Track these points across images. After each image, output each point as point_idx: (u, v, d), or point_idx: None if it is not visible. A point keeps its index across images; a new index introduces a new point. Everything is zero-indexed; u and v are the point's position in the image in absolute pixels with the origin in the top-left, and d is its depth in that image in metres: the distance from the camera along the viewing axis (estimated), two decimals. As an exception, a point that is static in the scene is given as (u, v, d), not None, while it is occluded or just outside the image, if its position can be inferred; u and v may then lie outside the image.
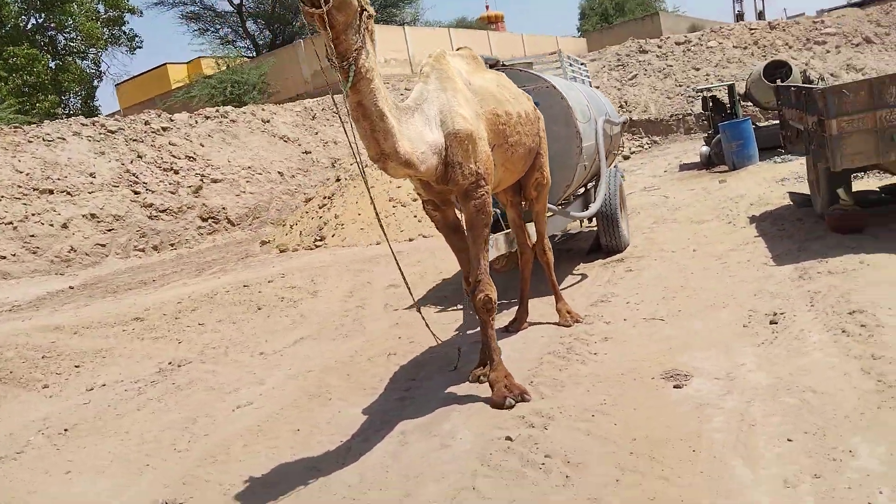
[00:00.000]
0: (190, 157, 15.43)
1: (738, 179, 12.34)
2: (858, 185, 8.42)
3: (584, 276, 7.49)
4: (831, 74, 18.44)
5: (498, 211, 6.76)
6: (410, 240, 11.98)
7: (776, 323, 4.80)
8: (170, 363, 6.66)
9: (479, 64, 5.18)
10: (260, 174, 16.09)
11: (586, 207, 8.08)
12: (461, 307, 7.15)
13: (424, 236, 12.00)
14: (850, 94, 6.00)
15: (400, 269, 4.82)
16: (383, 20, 33.34)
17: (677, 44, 21.62)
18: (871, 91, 5.95)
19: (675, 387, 4.07)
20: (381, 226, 4.74)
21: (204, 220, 14.45)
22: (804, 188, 9.85)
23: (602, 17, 50.09)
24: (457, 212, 4.91)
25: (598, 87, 20.45)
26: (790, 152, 13.59)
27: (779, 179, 11.27)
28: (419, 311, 5.14)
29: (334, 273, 10.11)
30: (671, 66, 20.68)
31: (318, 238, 12.88)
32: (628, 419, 3.75)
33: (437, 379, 5.06)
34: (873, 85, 5.96)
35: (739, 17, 47.99)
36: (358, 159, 4.12)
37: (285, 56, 26.63)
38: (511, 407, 4.21)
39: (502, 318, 6.10)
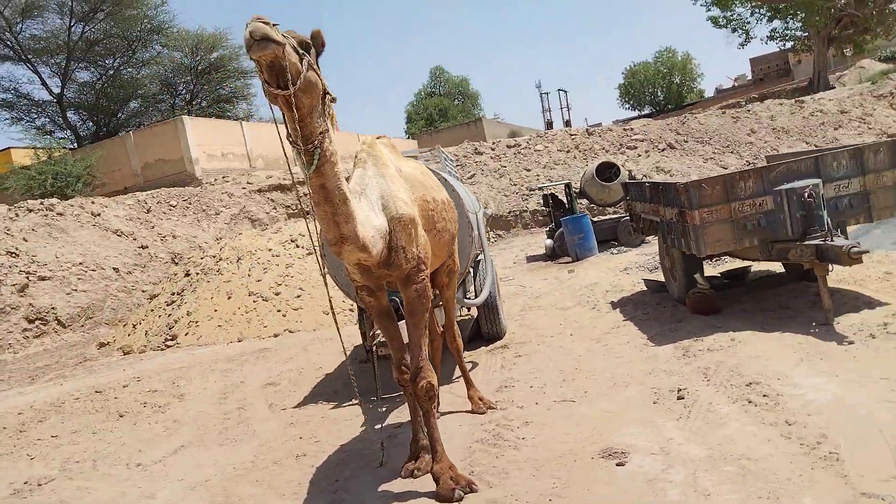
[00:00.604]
0: (12, 254, 13.88)
1: (584, 269, 13.23)
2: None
3: (474, 364, 7.58)
4: (644, 175, 20.66)
5: (396, 299, 6.76)
6: (276, 335, 11.50)
7: (683, 398, 5.14)
8: (26, 482, 5.77)
9: (399, 152, 5.28)
10: (93, 270, 14.80)
11: (465, 296, 8.28)
12: (356, 402, 6.93)
13: (290, 331, 11.59)
14: (708, 188, 6.78)
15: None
16: (217, 115, 32.82)
17: (508, 147, 23.29)
18: (725, 186, 6.76)
19: (617, 465, 4.19)
20: (335, 317, 4.55)
21: (31, 321, 12.91)
22: (644, 275, 10.87)
23: (427, 120, 53.02)
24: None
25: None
26: (625, 244, 14.98)
27: (622, 269, 12.22)
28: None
29: (198, 374, 9.41)
30: (505, 166, 22.16)
31: (169, 337, 11.97)
32: (586, 501, 3.79)
33: (364, 478, 4.81)
34: (727, 180, 6.79)
35: (549, 124, 52.88)
36: (316, 249, 3.99)
37: (113, 147, 25.23)
38: (460, 500, 4.10)
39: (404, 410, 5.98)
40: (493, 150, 23.27)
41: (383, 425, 5.76)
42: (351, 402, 6.96)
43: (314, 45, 3.54)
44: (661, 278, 9.49)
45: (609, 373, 6.25)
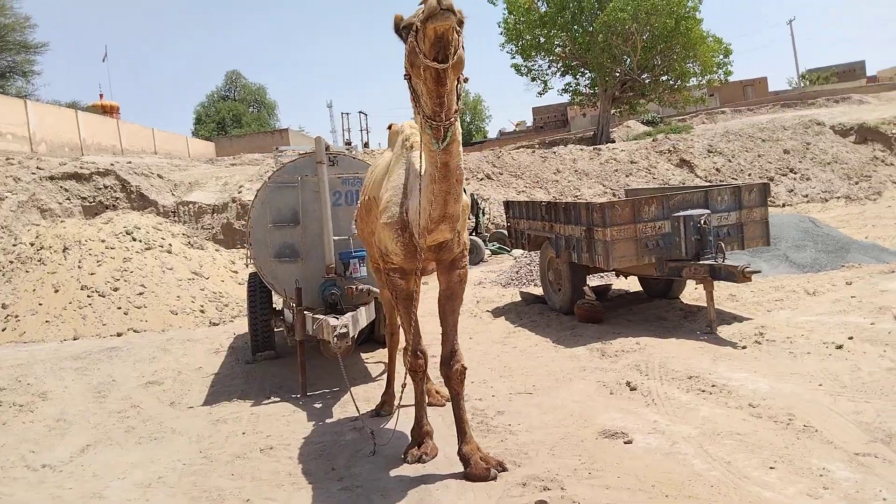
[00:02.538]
0: None
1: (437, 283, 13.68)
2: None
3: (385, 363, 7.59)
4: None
5: (336, 291, 6.64)
6: (119, 334, 10.43)
7: (636, 389, 5.72)
8: None
9: None
10: None
11: None
12: (277, 399, 6.64)
13: (136, 331, 10.57)
14: (620, 209, 7.58)
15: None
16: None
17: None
18: (633, 208, 7.61)
19: (625, 443, 4.59)
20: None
21: None
22: (498, 289, 11.66)
23: (219, 124, 50.67)
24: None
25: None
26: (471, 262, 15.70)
27: (476, 282, 12.87)
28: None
29: (45, 372, 8.30)
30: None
31: (-18, 333, 10.27)
32: (622, 471, 4.13)
33: (365, 465, 4.71)
34: (634, 204, 7.64)
35: (347, 144, 53.28)
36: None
37: None
38: (494, 478, 4.21)
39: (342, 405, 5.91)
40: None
41: (360, 416, 5.61)
42: (272, 400, 6.65)
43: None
44: (538, 291, 10.23)
45: (542, 370, 6.68)
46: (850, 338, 6.60)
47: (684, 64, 33.16)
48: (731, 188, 7.96)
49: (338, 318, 6.25)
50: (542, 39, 33.50)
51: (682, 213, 7.63)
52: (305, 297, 6.70)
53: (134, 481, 4.84)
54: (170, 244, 12.89)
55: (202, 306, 11.44)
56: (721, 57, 33.34)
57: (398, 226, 4.25)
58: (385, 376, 6.91)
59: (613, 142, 32.09)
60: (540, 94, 36.62)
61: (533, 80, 35.59)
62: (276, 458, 5.04)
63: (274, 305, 8.43)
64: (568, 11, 32.01)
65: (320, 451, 5.06)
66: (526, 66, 35.28)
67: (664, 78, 34.45)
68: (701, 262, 7.44)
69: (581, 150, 25.11)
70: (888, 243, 12.04)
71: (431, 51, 3.26)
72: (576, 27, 32.46)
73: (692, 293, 9.56)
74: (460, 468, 4.42)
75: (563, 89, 36.21)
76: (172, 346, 9.60)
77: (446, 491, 4.14)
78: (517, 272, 12.84)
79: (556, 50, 34.10)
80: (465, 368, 4.52)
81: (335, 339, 5.85)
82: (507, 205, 10.67)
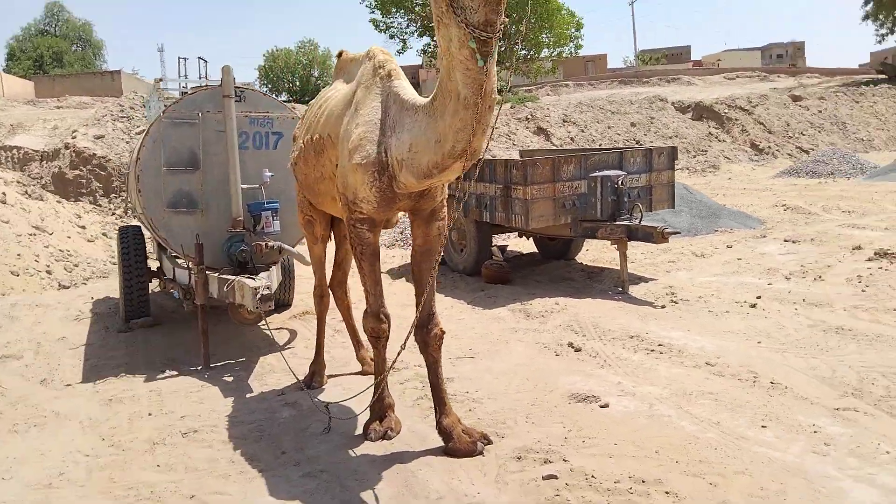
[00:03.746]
0: None
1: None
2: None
3: (292, 333, 6.90)
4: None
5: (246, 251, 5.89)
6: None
7: (580, 350, 5.54)
8: None
9: None
10: None
11: None
12: (175, 373, 5.78)
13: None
14: (540, 167, 7.35)
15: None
16: None
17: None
18: (553, 167, 7.41)
19: (601, 406, 4.36)
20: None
21: None
22: (383, 251, 11.19)
23: (36, 62, 45.10)
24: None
25: (103, 136, 18.58)
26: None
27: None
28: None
29: None
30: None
31: None
32: (616, 438, 3.89)
33: (320, 446, 4.12)
34: (554, 162, 7.44)
35: (184, 92, 49.55)
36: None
37: None
38: (481, 452, 3.81)
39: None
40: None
41: (300, 389, 4.93)
42: (168, 374, 5.78)
43: None
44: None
45: (471, 332, 6.35)
46: (759, 297, 6.87)
47: (539, 34, 33.83)
48: (643, 151, 7.99)
49: (254, 279, 5.51)
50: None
51: (598, 174, 7.54)
52: (207, 254, 5.83)
53: (25, 481, 3.92)
54: (3, 193, 11.02)
55: (48, 266, 9.91)
56: (573, 30, 34.37)
57: (375, 167, 3.62)
58: (305, 344, 6.31)
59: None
60: (399, 52, 35.76)
61: (391, 37, 34.75)
62: (206, 442, 4.29)
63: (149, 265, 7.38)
64: (427, -30, 31.37)
65: (258, 433, 4.38)
66: (384, 21, 34.32)
67: (517, 47, 35.00)
68: (618, 222, 7.40)
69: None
70: (747, 210, 12.90)
71: None
72: (435, -13, 31.87)
73: (586, 255, 9.64)
74: (431, 444, 3.99)
75: (422, 50, 35.69)
76: (19, 312, 8.21)
77: (432, 470, 3.68)
78: (401, 232, 12.37)
79: (416, 8, 33.42)
80: (444, 332, 4.06)
81: (258, 301, 5.12)
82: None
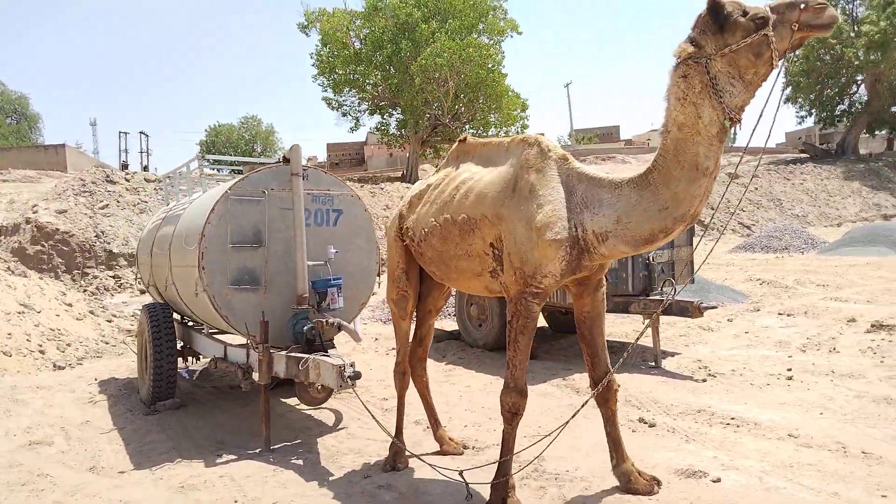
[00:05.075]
0: None
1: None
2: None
3: (336, 413, 6.73)
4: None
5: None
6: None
7: (654, 426, 5.61)
8: None
9: None
10: None
11: None
12: (255, 451, 5.54)
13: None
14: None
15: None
16: None
17: (147, 181, 20.83)
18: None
19: (713, 481, 4.42)
20: None
21: None
22: (387, 327, 11.14)
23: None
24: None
25: (66, 211, 17.99)
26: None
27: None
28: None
29: None
30: (146, 201, 19.73)
31: None
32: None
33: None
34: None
35: (124, 166, 48.62)
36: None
37: None
38: (656, 492, 4.28)
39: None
40: (127, 180, 20.50)
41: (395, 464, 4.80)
42: (228, 458, 5.53)
43: None
44: (451, 326, 9.87)
45: (531, 409, 6.33)
46: (789, 369, 7.14)
47: (488, 114, 35.04)
48: (666, 227, 8.32)
49: (330, 357, 5.41)
50: (356, 76, 33.43)
51: (629, 250, 7.79)
52: (270, 331, 5.70)
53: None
54: (-14, 270, 10.49)
55: (41, 346, 9.39)
56: (518, 111, 35.76)
57: (567, 242, 3.82)
58: (359, 424, 6.16)
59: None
60: (352, 129, 36.26)
61: (344, 115, 35.31)
62: (320, 528, 4.11)
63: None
64: (384, 51, 32.31)
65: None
66: (336, 100, 34.92)
67: (467, 126, 36.13)
68: (651, 297, 7.63)
69: (407, 187, 25.25)
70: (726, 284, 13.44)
71: (788, 52, 3.31)
72: (391, 68, 32.85)
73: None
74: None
75: (376, 128, 36.33)
76: (23, 395, 7.74)
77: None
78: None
79: (368, 88, 34.21)
80: (619, 386, 4.47)
81: (342, 379, 5.01)
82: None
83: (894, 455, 4.67)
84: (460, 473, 4.39)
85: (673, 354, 8.11)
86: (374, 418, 5.04)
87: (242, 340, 6.57)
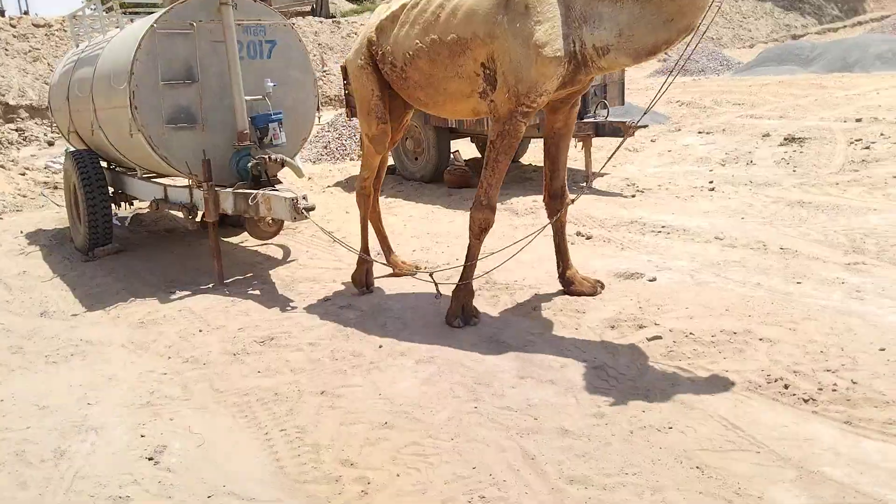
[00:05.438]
0: None
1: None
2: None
3: (284, 248, 6.83)
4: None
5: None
6: None
7: (591, 238, 5.98)
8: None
9: None
10: None
11: None
12: (209, 286, 5.64)
13: None
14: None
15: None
16: None
17: (36, 25, 18.91)
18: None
19: (650, 280, 4.84)
20: None
21: None
22: (319, 166, 11.06)
23: None
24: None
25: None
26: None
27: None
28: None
29: None
30: (38, 48, 18.06)
31: None
32: (685, 303, 4.38)
33: (415, 337, 4.29)
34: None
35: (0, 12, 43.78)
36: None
37: None
38: (599, 293, 4.74)
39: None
40: (13, 27, 18.56)
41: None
42: (182, 294, 5.61)
43: None
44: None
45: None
46: (711, 182, 7.61)
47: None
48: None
49: (281, 191, 5.42)
50: None
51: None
52: (213, 170, 5.61)
53: (117, 402, 3.80)
54: None
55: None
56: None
57: (567, 58, 3.85)
58: (310, 255, 6.31)
59: (333, 16, 31.08)
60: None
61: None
62: (291, 347, 4.32)
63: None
64: None
65: (339, 333, 4.47)
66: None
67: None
68: (585, 119, 7.80)
69: (321, 22, 23.94)
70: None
71: None
72: None
73: (528, 157, 10.05)
74: (521, 329, 4.30)
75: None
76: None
77: (543, 345, 4.00)
78: (325, 146, 12.17)
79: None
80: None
81: (297, 212, 5.06)
82: (345, 70, 9.87)
83: (806, 249, 5.19)
84: (430, 275, 4.68)
85: (602, 175, 8.44)
86: (336, 240, 5.21)
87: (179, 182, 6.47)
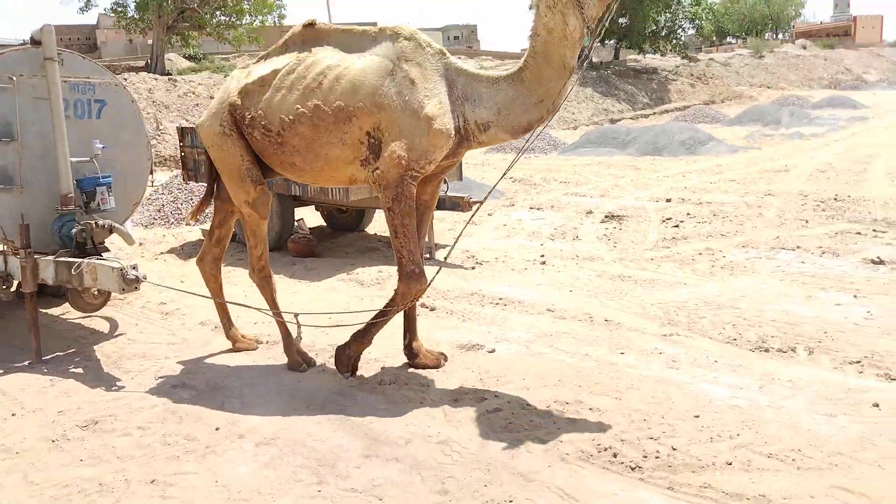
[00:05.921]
0: None
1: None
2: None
3: (110, 320, 6.38)
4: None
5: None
6: None
7: (434, 309, 6.14)
8: None
9: None
10: None
11: None
12: (25, 364, 5.11)
13: None
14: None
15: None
16: None
17: None
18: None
19: (489, 352, 5.03)
20: None
21: None
22: (151, 231, 10.57)
23: None
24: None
25: None
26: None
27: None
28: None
29: None
30: None
31: None
32: (520, 374, 4.60)
33: (253, 418, 4.14)
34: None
35: None
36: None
37: None
38: (443, 365, 4.86)
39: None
40: None
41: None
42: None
43: None
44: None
45: (323, 303, 6.53)
46: (542, 255, 8.12)
47: (242, 1, 32.88)
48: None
49: (107, 260, 5.10)
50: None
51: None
52: (32, 235, 5.19)
53: None
54: None
55: None
56: (277, -1, 33.93)
57: (453, 132, 4.24)
58: (140, 329, 5.94)
59: (169, 73, 30.18)
60: (82, 10, 31.93)
61: (69, -5, 30.76)
62: (118, 431, 4.02)
63: None
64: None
65: (171, 415, 4.21)
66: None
67: (218, 13, 33.63)
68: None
69: (156, 79, 23.09)
70: (483, 182, 14.51)
71: None
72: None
73: (374, 226, 10.19)
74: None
75: (112, 9, 32.23)
76: None
77: (391, 421, 4.01)
78: (159, 210, 11.61)
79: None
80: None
81: (126, 283, 4.78)
82: (183, 132, 9.56)
83: (628, 320, 5.65)
84: (295, 316, 4.75)
85: (444, 246, 8.73)
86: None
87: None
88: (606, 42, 48.01)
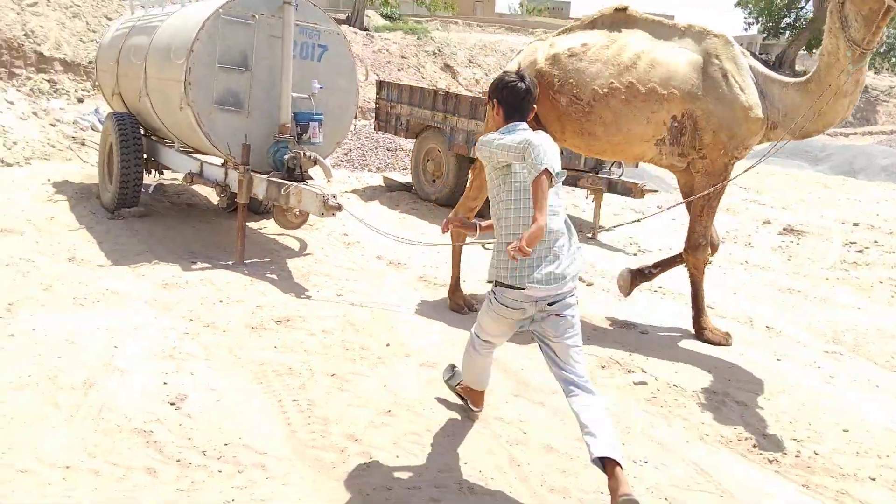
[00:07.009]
0: None
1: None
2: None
3: (301, 241, 7.12)
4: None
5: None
6: None
7: (592, 284, 6.33)
8: None
9: None
10: None
11: None
12: (229, 263, 5.92)
13: None
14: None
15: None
16: None
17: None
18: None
19: (641, 333, 5.17)
20: None
21: None
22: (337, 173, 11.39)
23: None
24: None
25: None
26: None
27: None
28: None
29: None
30: (79, 5, 18.44)
31: None
32: (697, 363, 4.72)
33: (420, 341, 4.58)
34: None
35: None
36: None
37: None
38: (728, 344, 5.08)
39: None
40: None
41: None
42: (204, 265, 5.90)
43: None
44: (400, 178, 10.26)
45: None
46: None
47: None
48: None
49: (315, 187, 5.73)
50: None
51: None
52: (251, 155, 5.93)
53: (143, 351, 4.07)
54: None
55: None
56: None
57: (766, 120, 4.63)
58: (325, 252, 6.55)
59: (367, 29, 31.67)
60: None
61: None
62: (305, 330, 4.62)
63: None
64: None
65: (349, 325, 4.76)
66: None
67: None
68: (600, 174, 8.20)
69: (355, 33, 24.44)
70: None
71: None
72: None
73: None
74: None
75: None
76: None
77: (538, 371, 4.31)
78: (346, 153, 12.52)
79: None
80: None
81: (326, 208, 5.37)
82: (381, 85, 10.28)
83: (791, 331, 5.56)
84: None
85: (608, 230, 8.82)
86: (372, 228, 5.46)
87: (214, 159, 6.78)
88: (814, 51, 44.38)
